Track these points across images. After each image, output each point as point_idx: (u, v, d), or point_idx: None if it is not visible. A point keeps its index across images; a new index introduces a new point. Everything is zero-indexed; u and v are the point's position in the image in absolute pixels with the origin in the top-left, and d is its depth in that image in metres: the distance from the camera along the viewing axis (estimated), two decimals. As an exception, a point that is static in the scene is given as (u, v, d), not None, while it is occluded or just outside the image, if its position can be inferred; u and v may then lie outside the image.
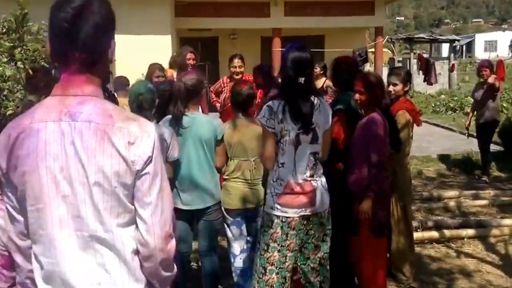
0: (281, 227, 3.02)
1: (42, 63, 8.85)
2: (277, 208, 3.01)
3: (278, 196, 3.00)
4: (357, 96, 3.60)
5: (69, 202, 1.40)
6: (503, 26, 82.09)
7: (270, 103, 3.01)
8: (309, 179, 3.03)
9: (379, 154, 3.47)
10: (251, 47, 16.10)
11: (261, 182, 3.81)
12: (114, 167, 1.40)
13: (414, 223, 5.08)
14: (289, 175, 2.99)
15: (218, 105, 6.31)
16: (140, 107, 3.35)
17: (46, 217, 1.41)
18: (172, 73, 5.93)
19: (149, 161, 1.44)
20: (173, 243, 1.54)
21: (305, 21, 14.60)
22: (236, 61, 5.90)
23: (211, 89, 6.46)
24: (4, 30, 9.30)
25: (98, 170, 1.39)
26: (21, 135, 1.41)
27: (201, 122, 3.47)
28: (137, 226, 1.48)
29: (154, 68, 5.41)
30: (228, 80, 6.14)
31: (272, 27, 14.70)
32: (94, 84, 1.47)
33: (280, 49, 14.34)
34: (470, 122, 7.97)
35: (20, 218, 1.48)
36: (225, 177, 3.80)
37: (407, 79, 4.35)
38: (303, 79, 2.94)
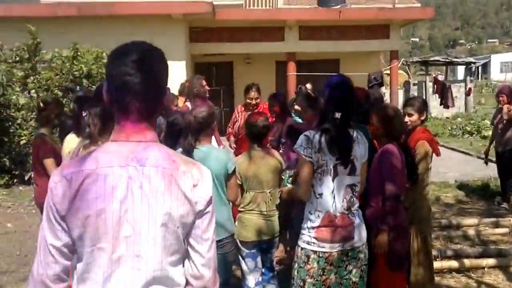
0: (318, 262, 2.95)
1: (56, 91, 9.05)
2: (313, 243, 2.95)
3: (315, 230, 2.95)
4: (371, 128, 3.58)
5: (131, 242, 1.46)
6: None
7: (307, 132, 2.99)
8: (346, 212, 2.98)
9: (394, 186, 3.40)
10: (265, 71, 16.23)
11: (277, 213, 3.78)
12: (179, 208, 1.50)
13: (433, 252, 4.96)
14: (327, 207, 2.95)
15: (232, 138, 6.26)
16: None
17: (106, 256, 1.46)
18: (186, 104, 5.96)
19: (210, 200, 1.57)
20: (217, 275, 1.67)
21: (320, 45, 14.69)
22: (253, 94, 5.89)
23: (229, 125, 6.38)
24: (16, 59, 9.53)
25: (166, 212, 1.48)
26: (86, 180, 1.46)
27: (211, 156, 3.42)
28: (190, 261, 1.59)
29: (173, 98, 5.42)
30: (243, 108, 6.14)
31: (286, 51, 14.80)
32: (152, 130, 1.57)
33: (295, 73, 14.42)
34: (489, 148, 7.87)
35: (62, 260, 1.51)
36: (240, 209, 3.77)
37: (423, 108, 4.29)
38: (339, 114, 2.93)
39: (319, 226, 2.94)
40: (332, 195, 2.95)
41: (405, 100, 4.43)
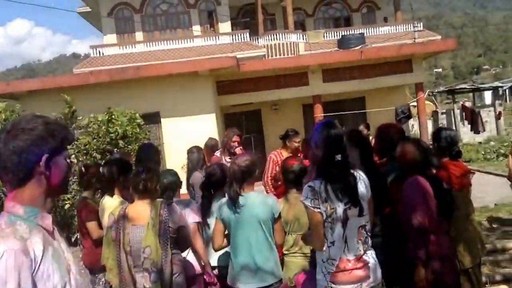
0: None
1: (94, 154, 9.31)
2: (331, 287, 2.89)
3: (331, 275, 2.88)
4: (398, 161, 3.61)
5: None
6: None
7: (311, 183, 2.92)
8: (361, 253, 2.92)
9: (417, 218, 3.34)
10: (293, 115, 16.45)
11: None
12: None
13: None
14: (340, 254, 2.88)
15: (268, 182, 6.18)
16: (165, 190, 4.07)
17: None
18: (216, 155, 6.17)
19: None
20: None
21: (344, 85, 14.88)
22: (299, 138, 6.04)
23: (266, 173, 6.21)
24: (54, 128, 9.91)
25: None
26: None
27: (256, 202, 3.53)
28: None
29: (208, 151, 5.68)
30: (282, 153, 6.04)
31: (312, 94, 15.01)
32: (18, 199, 1.58)
33: (323, 114, 14.61)
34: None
35: None
36: (284, 251, 3.84)
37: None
38: (339, 155, 2.86)
39: (334, 272, 2.89)
40: (344, 240, 2.89)
41: (434, 132, 4.40)
